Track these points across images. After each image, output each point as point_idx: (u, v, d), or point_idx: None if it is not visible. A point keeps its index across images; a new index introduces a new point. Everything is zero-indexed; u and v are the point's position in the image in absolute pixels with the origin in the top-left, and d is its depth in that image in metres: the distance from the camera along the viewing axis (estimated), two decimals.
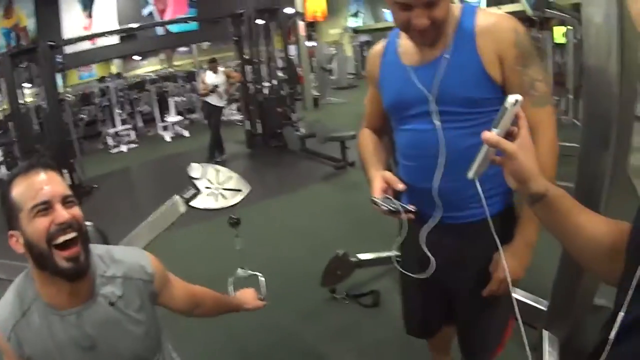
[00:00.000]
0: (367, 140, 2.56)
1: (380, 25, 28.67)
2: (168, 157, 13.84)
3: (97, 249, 1.98)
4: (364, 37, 31.61)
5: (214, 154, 11.82)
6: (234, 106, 17.86)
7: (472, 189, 1.94)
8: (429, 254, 2.19)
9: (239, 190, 3.26)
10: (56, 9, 14.22)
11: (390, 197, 2.12)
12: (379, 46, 2.43)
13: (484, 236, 2.02)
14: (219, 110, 12.11)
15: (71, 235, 1.73)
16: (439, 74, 2.07)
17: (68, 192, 1.80)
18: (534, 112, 2.01)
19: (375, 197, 2.11)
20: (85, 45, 14.22)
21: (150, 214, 3.14)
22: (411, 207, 2.09)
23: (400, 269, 2.44)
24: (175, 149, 14.75)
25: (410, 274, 2.31)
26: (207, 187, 3.17)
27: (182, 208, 3.14)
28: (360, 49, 32.69)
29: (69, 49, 12.97)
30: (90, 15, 14.80)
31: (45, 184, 1.74)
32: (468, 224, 2.19)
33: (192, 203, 3.13)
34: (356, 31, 30.58)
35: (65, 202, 1.77)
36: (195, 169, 3.17)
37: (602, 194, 2.85)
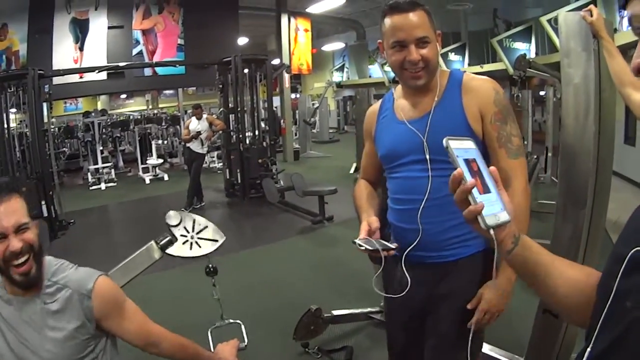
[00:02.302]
0: (361, 189, 2.77)
1: (364, 80, 28.88)
2: (146, 200, 13.81)
3: (60, 262, 2.31)
4: (347, 92, 31.86)
5: (193, 200, 11.74)
6: (215, 154, 17.86)
7: (453, 232, 2.17)
8: (407, 275, 2.30)
9: (215, 240, 3.29)
10: (49, 38, 14.17)
11: (370, 239, 2.27)
12: (375, 106, 2.73)
13: (461, 275, 2.36)
14: (200, 157, 12.11)
15: (23, 259, 2.07)
16: (428, 126, 2.34)
17: (22, 220, 2.11)
18: (510, 162, 2.32)
19: (355, 240, 2.25)
20: (74, 78, 14.19)
21: (125, 256, 3.16)
22: (392, 245, 2.24)
23: (382, 293, 2.61)
24: (154, 192, 14.73)
25: (391, 295, 2.48)
26: (183, 235, 3.19)
27: (157, 254, 3.15)
28: (343, 103, 32.92)
29: (57, 80, 12.90)
30: (81, 49, 14.79)
31: (2, 216, 2.05)
32: (448, 262, 2.38)
33: (167, 250, 3.16)
34: (340, 86, 30.79)
35: (19, 230, 2.09)
36: (172, 217, 3.18)
37: (579, 251, 2.92)
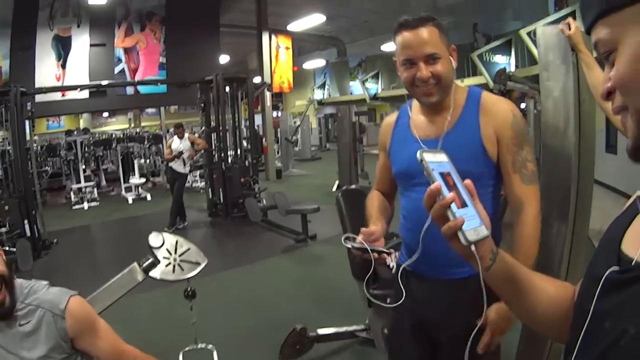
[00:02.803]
0: (373, 200, 2.76)
1: (345, 98, 28.93)
2: (129, 219, 13.71)
3: (31, 284, 2.35)
4: (329, 109, 31.92)
5: (176, 220, 11.67)
6: (198, 173, 17.76)
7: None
8: (402, 287, 2.30)
9: (197, 263, 3.28)
10: (31, 55, 14.05)
11: (363, 242, 2.23)
12: (391, 118, 2.70)
13: (473, 291, 2.31)
14: (183, 176, 12.04)
15: None
16: (441, 147, 2.27)
17: None
18: (523, 188, 2.32)
19: (345, 240, 2.25)
20: (56, 95, 14.12)
21: (109, 276, 3.15)
22: (385, 250, 2.22)
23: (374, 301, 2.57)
24: (137, 212, 14.63)
25: (384, 304, 2.51)
26: (165, 258, 3.18)
27: (140, 276, 3.15)
28: (325, 120, 32.96)
29: (39, 97, 12.77)
30: (63, 66, 14.71)
31: None
32: (460, 280, 2.33)
33: (150, 273, 3.16)
34: (321, 103, 30.83)
35: None
36: (154, 238, 3.18)
37: (562, 262, 2.93)
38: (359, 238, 2.27)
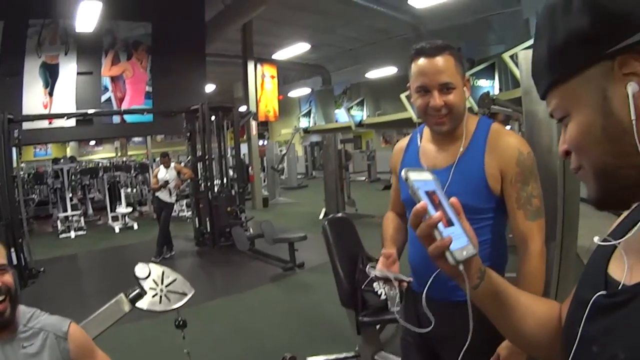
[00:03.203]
0: (388, 222, 2.80)
1: (330, 125, 29.03)
2: (116, 249, 13.61)
3: (33, 310, 2.42)
4: (314, 137, 31.96)
5: (163, 249, 11.56)
6: (184, 202, 17.76)
7: None
8: (429, 314, 2.28)
9: (184, 294, 3.29)
10: (19, 81, 13.94)
11: (384, 270, 2.26)
12: (403, 142, 2.73)
13: (474, 312, 2.35)
14: (169, 206, 11.99)
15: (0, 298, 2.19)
16: (450, 179, 2.31)
17: (1, 261, 2.27)
18: (528, 224, 2.31)
19: (369, 269, 2.28)
20: (43, 123, 14.02)
21: (96, 305, 3.16)
22: (406, 278, 2.23)
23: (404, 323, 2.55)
24: (124, 241, 14.53)
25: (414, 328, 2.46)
26: (152, 288, 3.18)
27: (127, 307, 3.15)
28: (311, 148, 33.00)
29: (26, 125, 12.69)
30: (51, 94, 14.63)
31: None
32: (461, 302, 2.31)
33: (137, 304, 3.17)
34: (307, 131, 30.87)
35: None
36: (141, 269, 3.18)
37: (551, 282, 2.94)
38: (379, 266, 2.32)
